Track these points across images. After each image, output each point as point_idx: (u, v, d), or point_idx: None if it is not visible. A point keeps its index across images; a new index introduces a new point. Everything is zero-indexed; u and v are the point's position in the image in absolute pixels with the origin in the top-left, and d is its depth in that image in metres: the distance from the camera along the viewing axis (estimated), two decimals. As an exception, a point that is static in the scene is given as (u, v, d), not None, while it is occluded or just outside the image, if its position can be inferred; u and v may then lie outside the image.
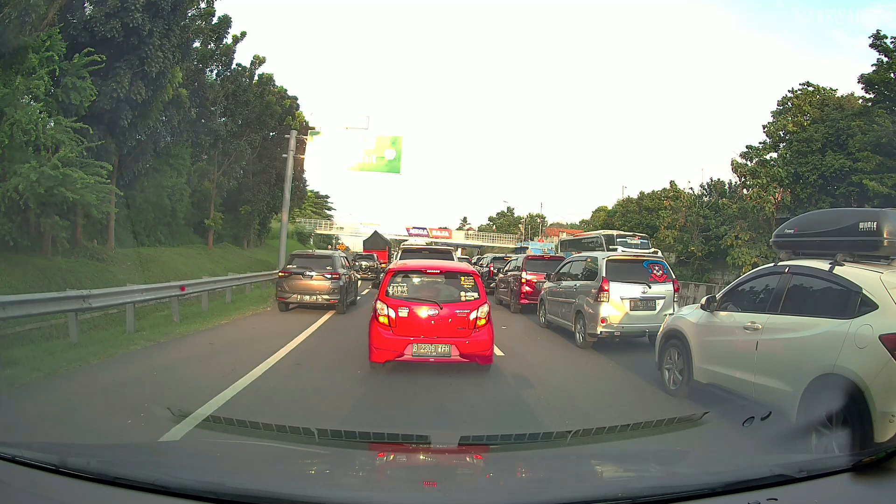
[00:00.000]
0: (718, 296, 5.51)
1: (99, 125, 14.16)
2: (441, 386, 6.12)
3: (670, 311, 8.36)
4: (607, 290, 8.30)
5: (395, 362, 6.42)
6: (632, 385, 6.53)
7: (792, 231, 5.13)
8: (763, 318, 4.71)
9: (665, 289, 8.56)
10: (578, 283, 9.42)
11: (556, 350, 8.86)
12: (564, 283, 10.15)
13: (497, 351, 8.08)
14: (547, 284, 11.23)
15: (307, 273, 12.19)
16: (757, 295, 5.06)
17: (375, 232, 39.60)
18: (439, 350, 6.34)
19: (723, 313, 5.33)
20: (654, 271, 8.64)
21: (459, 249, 52.87)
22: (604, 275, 8.45)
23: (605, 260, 8.72)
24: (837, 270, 4.27)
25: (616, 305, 8.30)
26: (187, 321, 10.35)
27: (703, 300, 5.56)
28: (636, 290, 8.41)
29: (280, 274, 12.80)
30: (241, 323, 10.77)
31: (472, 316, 6.44)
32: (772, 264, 5.06)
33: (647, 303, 8.45)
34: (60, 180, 10.47)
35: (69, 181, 10.57)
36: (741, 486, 1.69)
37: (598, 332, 8.27)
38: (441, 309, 6.45)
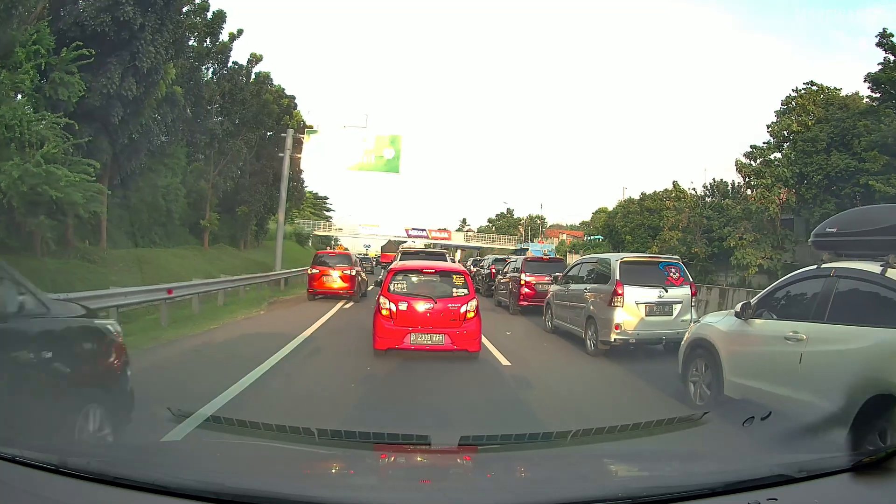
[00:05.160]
0: (753, 301, 5.05)
1: (91, 122, 13.74)
2: (445, 399, 5.77)
3: (687, 316, 7.92)
4: (621, 295, 7.81)
5: (394, 365, 6.66)
6: (657, 400, 6.01)
7: (833, 230, 4.68)
8: (807, 328, 4.25)
9: (682, 292, 8.07)
10: (589, 286, 8.96)
11: (566, 358, 8.39)
12: (573, 287, 9.69)
13: (502, 360, 7.76)
14: (553, 287, 10.79)
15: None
16: (798, 301, 4.60)
17: (390, 240, 49.12)
18: (434, 339, 7.16)
19: (758, 321, 4.85)
20: (671, 274, 8.15)
21: (459, 251, 52.66)
22: (617, 277, 7.96)
23: (618, 262, 8.23)
24: (890, 273, 3.83)
25: (631, 311, 7.81)
26: (176, 325, 9.92)
27: (738, 306, 5.04)
28: (652, 294, 7.92)
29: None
30: (232, 327, 10.30)
31: (463, 309, 7.30)
32: (814, 266, 4.60)
33: (663, 308, 7.96)
34: (44, 178, 10.04)
35: (53, 179, 10.13)
36: (741, 486, 1.68)
37: (612, 340, 7.78)
38: (436, 303, 7.30)
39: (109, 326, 3.92)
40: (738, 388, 4.86)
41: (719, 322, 5.44)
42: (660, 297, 7.94)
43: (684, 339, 5.87)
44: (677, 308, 7.99)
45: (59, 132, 11.11)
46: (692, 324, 6.33)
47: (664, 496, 1.64)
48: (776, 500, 1.59)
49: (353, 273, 15.79)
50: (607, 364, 7.80)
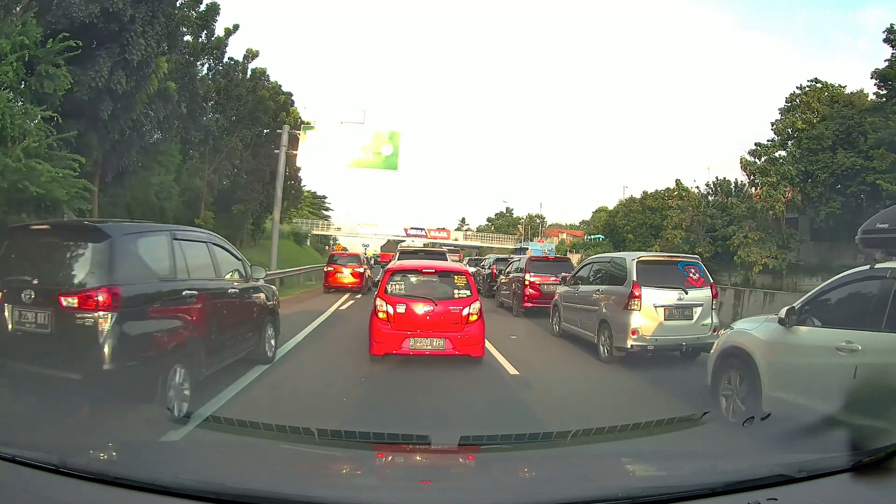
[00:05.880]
0: (797, 306, 4.58)
1: (80, 117, 13.21)
2: (447, 401, 5.54)
3: (708, 319, 7.46)
4: (639, 297, 7.31)
5: (393, 365, 6.59)
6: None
7: (885, 226, 4.24)
8: (862, 337, 3.80)
9: (703, 294, 7.57)
10: (601, 287, 8.49)
11: (579, 366, 7.89)
12: (583, 288, 9.21)
13: (509, 368, 7.31)
14: (561, 289, 10.32)
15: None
16: (850, 306, 4.15)
17: (389, 240, 49.82)
18: (434, 343, 6.75)
19: (803, 329, 4.39)
20: (690, 274, 7.65)
21: (459, 251, 52.23)
22: (634, 279, 7.47)
23: (634, 262, 7.72)
24: None
25: (648, 314, 7.31)
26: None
27: (783, 312, 4.54)
28: (671, 297, 7.41)
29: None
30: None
31: (465, 312, 6.88)
32: (865, 267, 4.15)
33: (683, 311, 7.47)
34: (25, 173, 9.51)
35: (34, 175, 9.60)
36: (741, 486, 1.68)
37: (629, 346, 7.29)
38: (436, 305, 6.88)
39: (274, 287, 8.08)
40: (779, 403, 4.37)
41: (756, 329, 4.95)
42: (679, 299, 7.44)
43: (714, 347, 5.40)
44: (698, 311, 7.50)
45: (41, 126, 10.60)
46: (722, 330, 5.86)
47: (664, 496, 1.64)
48: (776, 500, 1.58)
49: (363, 270, 18.57)
50: (624, 372, 7.29)
